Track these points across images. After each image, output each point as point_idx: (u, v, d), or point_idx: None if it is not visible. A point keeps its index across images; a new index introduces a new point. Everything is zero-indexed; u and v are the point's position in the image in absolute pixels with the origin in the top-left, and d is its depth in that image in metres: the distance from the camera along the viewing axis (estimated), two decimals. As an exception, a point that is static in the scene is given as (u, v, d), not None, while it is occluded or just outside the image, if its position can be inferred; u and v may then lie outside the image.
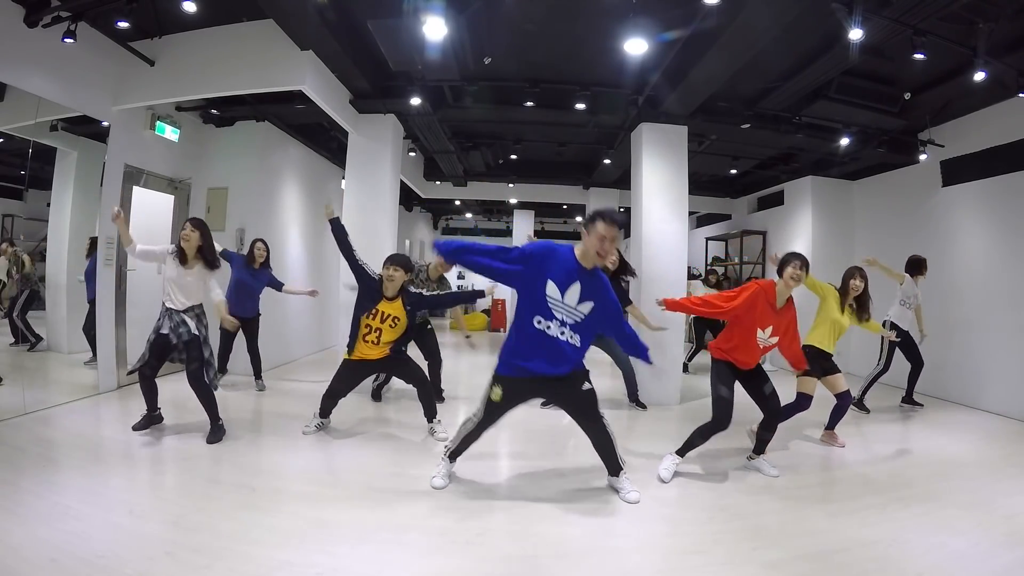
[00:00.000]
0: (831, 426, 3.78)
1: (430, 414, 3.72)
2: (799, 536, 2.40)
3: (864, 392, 4.79)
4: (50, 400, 3.95)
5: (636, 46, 3.54)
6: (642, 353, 2.87)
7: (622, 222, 2.55)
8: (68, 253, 4.60)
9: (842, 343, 6.81)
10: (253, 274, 4.75)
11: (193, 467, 2.99)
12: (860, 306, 3.82)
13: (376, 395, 4.65)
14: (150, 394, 3.46)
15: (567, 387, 2.68)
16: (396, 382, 5.23)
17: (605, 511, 2.63)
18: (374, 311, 3.47)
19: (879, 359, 4.78)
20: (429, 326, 4.62)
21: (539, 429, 3.95)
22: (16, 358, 4.48)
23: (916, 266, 4.72)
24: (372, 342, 3.50)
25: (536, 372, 2.58)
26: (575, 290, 2.53)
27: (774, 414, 3.08)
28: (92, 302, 4.50)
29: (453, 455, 2.89)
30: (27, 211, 4.67)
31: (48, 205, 4.63)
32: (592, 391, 2.72)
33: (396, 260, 3.48)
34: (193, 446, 3.28)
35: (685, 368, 5.98)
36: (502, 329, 11.16)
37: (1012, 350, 4.73)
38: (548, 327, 2.53)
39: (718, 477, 3.11)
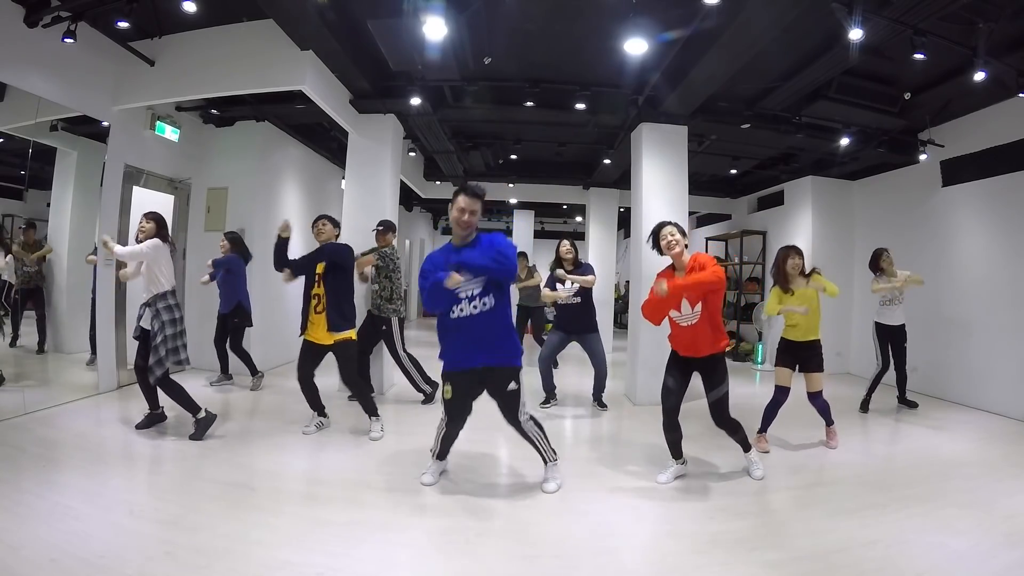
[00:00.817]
0: (829, 423, 3.75)
1: (368, 412, 3.69)
2: (799, 536, 2.40)
3: (869, 393, 4.78)
4: (50, 400, 3.95)
5: (636, 46, 3.54)
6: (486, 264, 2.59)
7: (482, 194, 2.65)
8: (68, 253, 4.60)
9: (842, 343, 6.88)
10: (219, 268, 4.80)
11: (193, 467, 3.00)
12: (804, 277, 3.60)
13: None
14: (147, 390, 3.46)
15: (497, 381, 2.72)
16: (397, 382, 5.24)
17: (605, 511, 2.63)
18: (316, 277, 3.55)
19: (876, 357, 4.77)
20: (385, 327, 4.51)
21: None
22: (17, 358, 4.48)
23: (875, 261, 4.64)
24: (319, 311, 3.53)
25: (470, 363, 2.65)
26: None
27: (716, 422, 2.99)
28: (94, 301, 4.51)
29: (439, 455, 2.94)
30: (27, 211, 4.67)
31: (48, 205, 4.64)
32: (516, 392, 2.74)
33: (322, 216, 3.73)
34: (193, 446, 3.28)
35: None
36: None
37: (1012, 350, 4.72)
38: (461, 310, 2.61)
39: (717, 477, 3.11)
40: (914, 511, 2.67)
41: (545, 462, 2.89)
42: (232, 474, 2.91)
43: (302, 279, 3.65)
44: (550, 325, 4.75)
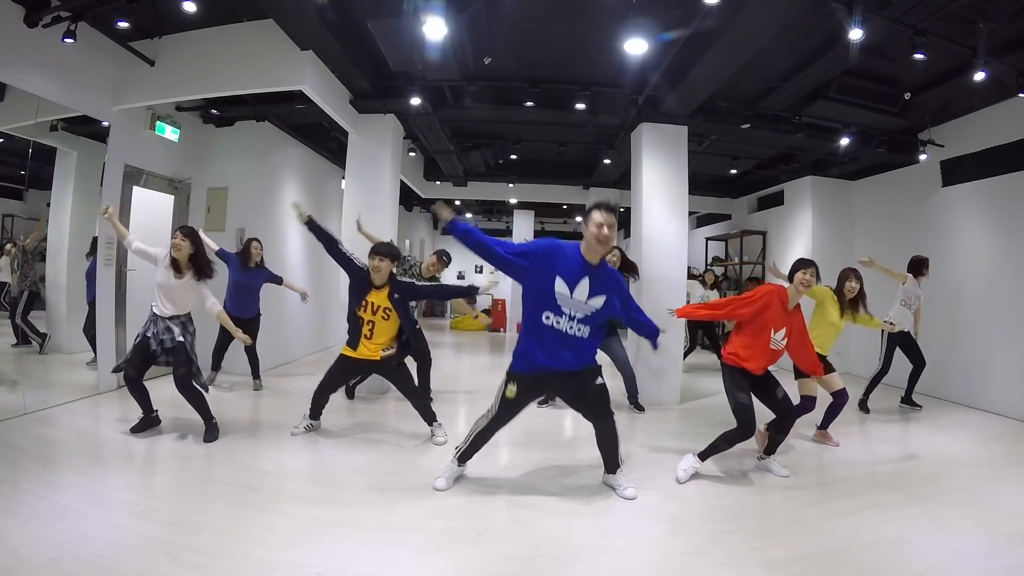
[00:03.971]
0: (824, 425, 3.78)
1: (428, 420, 3.68)
2: (799, 536, 2.40)
3: (867, 394, 4.79)
4: (50, 400, 3.94)
5: (636, 46, 3.54)
6: (652, 335, 2.90)
7: (617, 209, 2.62)
8: (68, 253, 4.60)
9: (842, 343, 6.84)
10: (250, 275, 4.72)
11: (193, 467, 2.99)
12: (853, 306, 3.80)
13: (350, 393, 4.61)
14: (140, 397, 3.43)
15: (579, 383, 2.69)
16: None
17: (605, 511, 2.63)
18: (364, 303, 3.45)
19: (879, 359, 4.77)
20: (417, 326, 4.55)
21: (538, 429, 3.95)
22: (17, 358, 4.48)
23: (918, 266, 4.70)
24: (366, 336, 3.46)
25: (549, 367, 2.60)
26: (584, 285, 2.56)
27: (787, 415, 3.06)
28: (92, 303, 4.49)
29: (462, 457, 2.86)
30: (27, 211, 4.67)
31: (48, 205, 4.63)
32: (604, 387, 2.74)
33: (381, 250, 3.49)
34: (192, 446, 3.28)
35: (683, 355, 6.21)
36: (502, 330, 11.15)
37: (1012, 350, 4.72)
38: (557, 322, 2.56)
39: (718, 477, 3.11)
40: (914, 511, 2.68)
41: (615, 469, 2.86)
42: (232, 474, 2.91)
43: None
44: None
